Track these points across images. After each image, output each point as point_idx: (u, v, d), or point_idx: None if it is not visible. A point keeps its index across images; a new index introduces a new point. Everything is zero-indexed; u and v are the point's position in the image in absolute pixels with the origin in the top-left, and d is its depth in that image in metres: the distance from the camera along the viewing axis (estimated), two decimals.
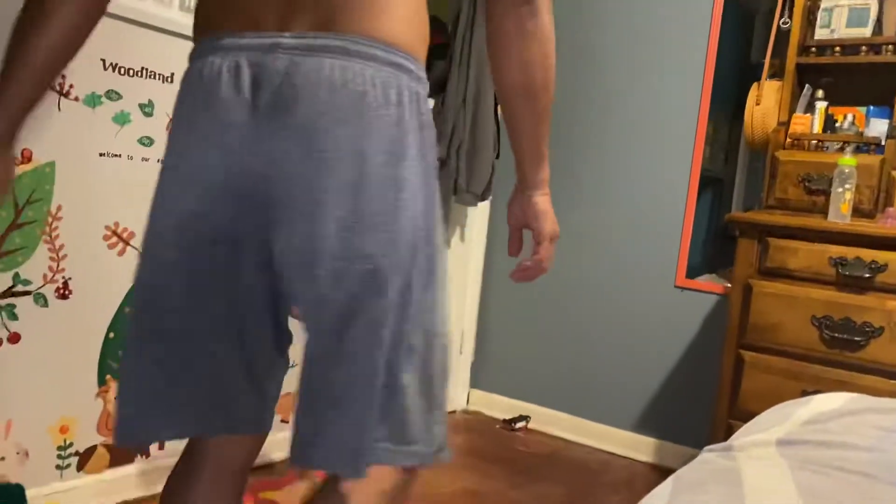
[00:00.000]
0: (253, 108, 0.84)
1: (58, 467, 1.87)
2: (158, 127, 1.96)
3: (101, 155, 1.87)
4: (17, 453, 1.78)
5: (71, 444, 1.90)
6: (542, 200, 1.11)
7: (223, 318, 0.91)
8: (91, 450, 1.94)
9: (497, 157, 3.03)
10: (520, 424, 3.11)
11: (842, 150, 2.35)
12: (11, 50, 0.90)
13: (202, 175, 0.87)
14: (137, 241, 1.95)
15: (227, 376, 0.94)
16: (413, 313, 0.88)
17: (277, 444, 1.60)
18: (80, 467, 1.92)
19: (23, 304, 1.76)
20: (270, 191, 0.85)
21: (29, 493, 1.70)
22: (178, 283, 0.90)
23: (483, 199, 3.06)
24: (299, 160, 0.83)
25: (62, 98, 1.77)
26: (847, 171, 2.21)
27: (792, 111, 2.47)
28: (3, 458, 1.75)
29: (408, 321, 0.88)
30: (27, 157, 1.73)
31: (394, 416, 0.88)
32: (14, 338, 1.75)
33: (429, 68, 2.75)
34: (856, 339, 2.09)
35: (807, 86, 2.49)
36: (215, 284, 0.90)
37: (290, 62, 0.83)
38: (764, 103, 2.48)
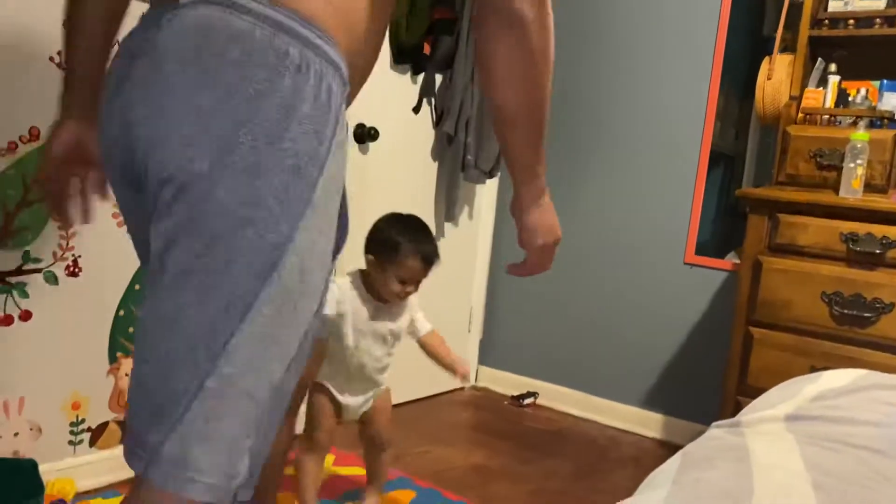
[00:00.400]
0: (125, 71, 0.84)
1: (70, 443, 1.90)
2: None
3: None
4: (31, 429, 1.80)
5: (83, 421, 1.92)
6: (531, 215, 1.09)
7: None
8: (103, 426, 1.96)
9: None
10: (528, 401, 3.13)
11: (854, 124, 2.32)
12: (66, 25, 1.03)
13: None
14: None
15: None
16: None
17: None
18: (92, 443, 1.94)
19: (33, 282, 1.77)
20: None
21: (42, 469, 1.72)
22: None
23: (491, 176, 3.05)
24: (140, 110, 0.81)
25: None
26: (859, 146, 2.18)
27: (804, 85, 2.44)
28: (16, 434, 1.77)
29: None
30: (35, 135, 1.73)
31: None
32: (25, 315, 1.77)
33: (436, 44, 2.73)
34: (865, 315, 2.08)
35: (819, 59, 2.46)
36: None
37: (170, 16, 0.80)
38: (775, 77, 2.45)
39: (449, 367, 1.90)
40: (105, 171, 0.95)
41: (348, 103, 0.89)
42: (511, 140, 1.01)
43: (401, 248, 1.72)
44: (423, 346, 1.91)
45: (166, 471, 0.77)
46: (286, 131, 0.77)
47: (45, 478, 1.71)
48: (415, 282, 1.76)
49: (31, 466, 1.42)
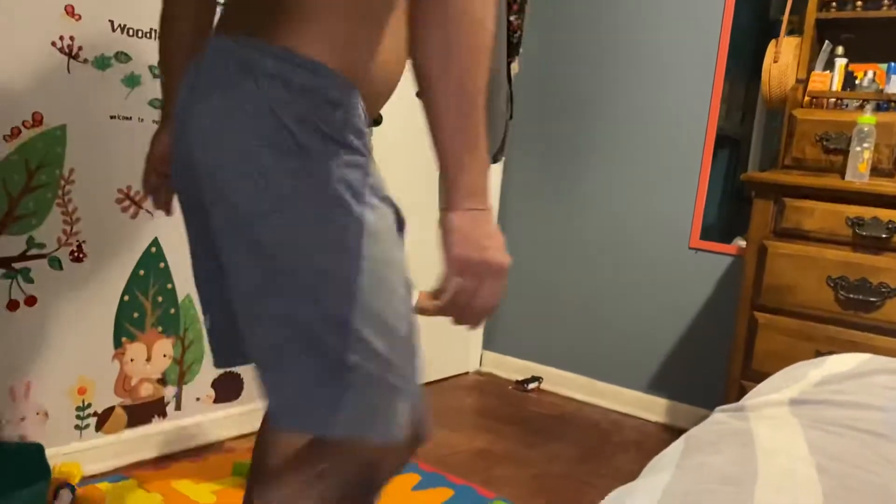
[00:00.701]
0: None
1: (77, 427, 1.91)
2: None
3: (111, 117, 1.87)
4: (37, 414, 1.81)
5: (89, 406, 1.93)
6: (457, 218, 0.89)
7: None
8: (109, 410, 1.97)
9: (510, 117, 3.00)
10: (532, 385, 3.13)
11: (861, 108, 2.30)
12: (161, 38, 1.19)
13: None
14: (150, 204, 1.95)
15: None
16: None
17: None
18: (98, 427, 1.95)
19: (38, 268, 1.77)
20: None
21: (49, 453, 1.73)
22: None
23: (495, 160, 3.03)
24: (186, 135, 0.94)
25: (71, 60, 1.76)
26: (866, 129, 2.17)
27: (811, 68, 2.42)
28: (23, 419, 1.78)
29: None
30: (38, 121, 1.72)
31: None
32: (30, 301, 1.77)
33: None
34: (871, 299, 2.08)
35: (826, 42, 2.44)
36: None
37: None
38: (782, 60, 2.43)
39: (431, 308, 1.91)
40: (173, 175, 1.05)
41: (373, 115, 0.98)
42: (427, 107, 0.89)
43: None
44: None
45: (341, 430, 0.89)
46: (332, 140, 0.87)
47: (51, 462, 1.73)
48: None
49: (37, 450, 1.43)
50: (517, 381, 3.18)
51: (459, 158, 0.88)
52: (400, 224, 0.96)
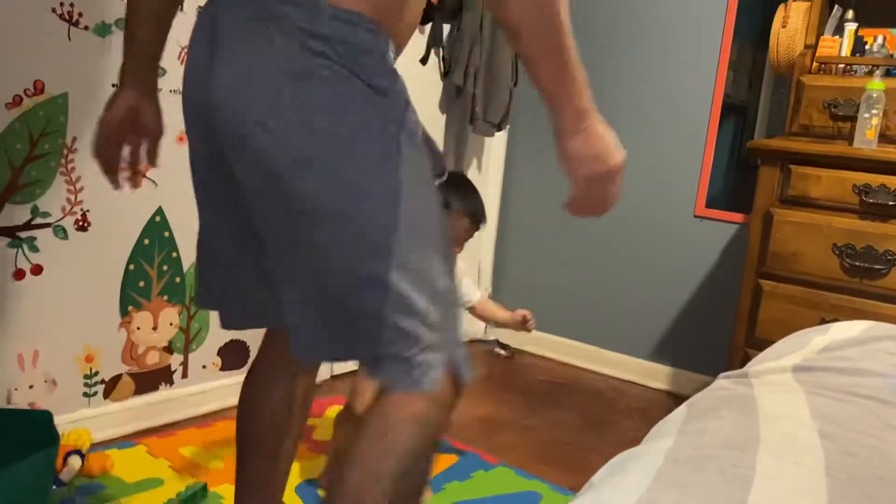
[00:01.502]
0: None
1: (85, 395, 1.93)
2: (170, 56, 1.93)
3: (113, 85, 1.85)
4: (45, 382, 1.83)
5: (97, 373, 1.94)
6: (571, 143, 0.97)
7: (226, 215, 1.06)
8: (116, 378, 1.99)
9: (515, 84, 2.98)
10: (501, 351, 3.15)
11: (870, 73, 2.27)
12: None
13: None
14: (154, 173, 1.95)
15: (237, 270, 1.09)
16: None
17: None
18: (106, 395, 1.97)
19: (43, 237, 1.78)
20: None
21: (58, 420, 1.74)
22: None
23: (500, 128, 3.01)
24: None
25: (72, 27, 1.75)
26: (875, 95, 2.14)
27: (820, 34, 2.38)
28: (31, 387, 1.80)
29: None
30: (39, 89, 1.71)
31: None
32: (36, 270, 1.78)
33: None
34: (876, 267, 2.07)
35: (836, 6, 2.40)
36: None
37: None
38: (790, 25, 2.40)
39: (513, 325, 1.89)
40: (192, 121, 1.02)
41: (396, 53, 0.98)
42: (526, 58, 0.94)
43: (449, 207, 1.65)
44: (480, 313, 1.88)
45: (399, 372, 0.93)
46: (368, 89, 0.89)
47: (60, 429, 1.74)
48: (461, 242, 1.71)
49: (46, 417, 1.44)
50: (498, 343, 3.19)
51: (564, 93, 0.94)
52: (440, 170, 1.00)
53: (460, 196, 1.71)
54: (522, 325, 1.94)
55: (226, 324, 1.15)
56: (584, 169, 0.98)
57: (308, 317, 0.95)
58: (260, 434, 1.27)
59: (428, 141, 1.00)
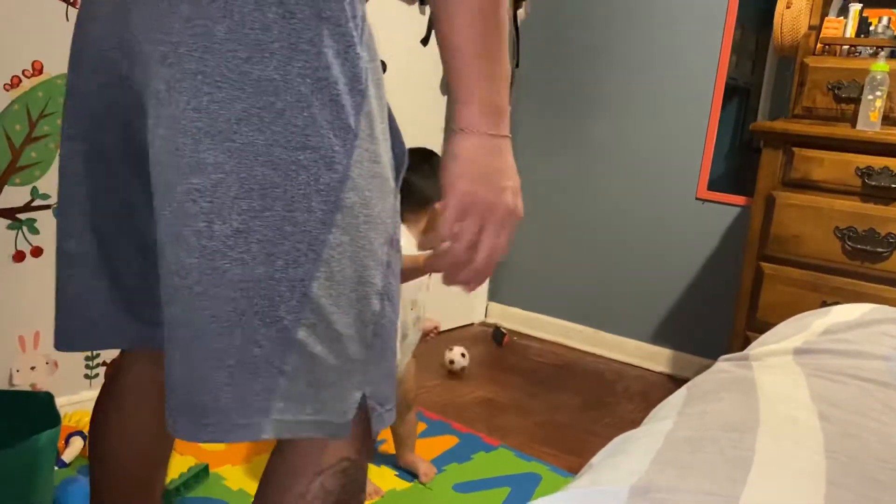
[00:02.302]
0: None
1: (86, 376, 1.93)
2: None
3: None
4: (47, 363, 1.84)
5: (98, 355, 1.95)
6: (471, 142, 0.75)
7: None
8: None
9: (517, 65, 2.96)
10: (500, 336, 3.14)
11: (875, 55, 2.26)
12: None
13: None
14: None
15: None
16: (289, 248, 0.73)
17: None
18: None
19: (43, 219, 1.77)
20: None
21: (59, 402, 1.75)
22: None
23: None
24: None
25: (69, 7, 1.73)
26: (879, 77, 2.13)
27: (824, 14, 2.36)
28: (33, 368, 1.81)
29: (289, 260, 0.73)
30: (38, 69, 1.70)
31: (283, 381, 0.75)
32: (36, 252, 1.77)
33: None
34: (878, 250, 2.07)
35: None
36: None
37: None
38: (795, 6, 2.37)
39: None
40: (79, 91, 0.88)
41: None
42: (448, 17, 0.73)
43: (426, 195, 1.49)
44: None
45: (281, 427, 0.76)
46: (318, 61, 0.71)
47: (62, 411, 1.75)
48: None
49: (47, 399, 1.45)
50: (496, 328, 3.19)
51: (482, 68, 0.73)
52: (400, 162, 0.83)
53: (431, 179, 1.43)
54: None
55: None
56: (468, 183, 0.74)
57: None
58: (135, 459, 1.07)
59: None
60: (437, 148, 3.10)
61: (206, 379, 0.73)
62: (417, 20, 2.70)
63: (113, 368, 1.07)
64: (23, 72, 1.68)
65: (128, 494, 1.06)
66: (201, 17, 0.70)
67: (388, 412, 0.84)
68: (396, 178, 0.83)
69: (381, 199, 0.78)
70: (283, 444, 0.84)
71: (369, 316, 0.79)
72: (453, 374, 2.62)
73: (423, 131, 2.84)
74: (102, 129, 0.86)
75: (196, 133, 0.70)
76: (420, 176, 1.47)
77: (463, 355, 2.61)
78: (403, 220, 1.33)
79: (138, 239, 0.90)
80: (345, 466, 0.83)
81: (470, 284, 0.79)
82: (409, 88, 2.72)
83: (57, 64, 1.73)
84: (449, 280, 0.79)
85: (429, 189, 1.50)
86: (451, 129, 0.75)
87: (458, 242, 0.76)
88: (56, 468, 1.64)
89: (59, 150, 0.94)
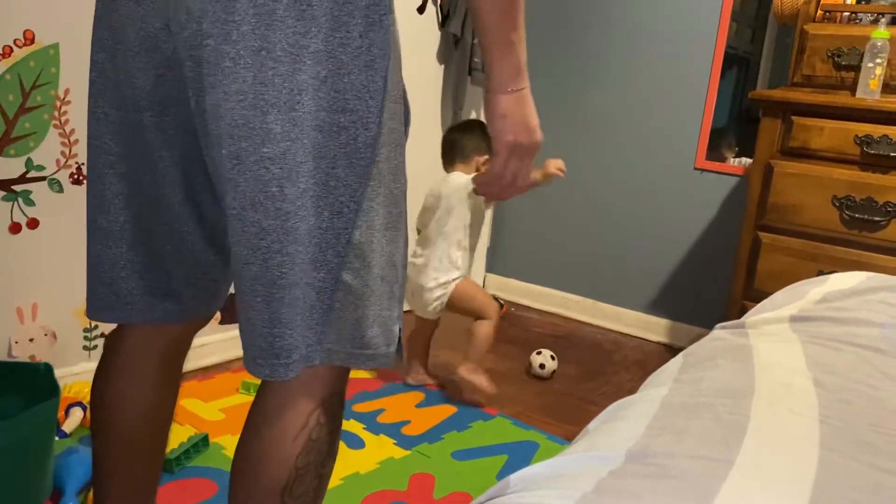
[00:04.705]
0: None
1: (85, 348, 1.94)
2: None
3: None
4: (45, 335, 1.84)
5: (96, 327, 1.95)
6: (505, 101, 0.91)
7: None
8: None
9: None
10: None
11: (875, 21, 2.23)
12: None
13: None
14: None
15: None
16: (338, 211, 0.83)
17: None
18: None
19: (38, 190, 1.77)
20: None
21: (58, 373, 1.75)
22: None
23: None
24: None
25: None
26: (879, 44, 2.11)
27: None
28: (31, 340, 1.81)
29: (335, 216, 0.83)
30: (29, 39, 1.68)
31: (333, 315, 0.87)
32: (32, 223, 1.77)
33: None
34: (876, 219, 2.07)
35: None
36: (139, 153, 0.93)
37: None
38: None
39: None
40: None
41: None
42: (473, 6, 0.87)
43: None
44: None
45: (331, 355, 0.88)
46: (356, 30, 0.80)
47: (62, 382, 1.76)
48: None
49: (46, 370, 1.45)
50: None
51: (506, 37, 0.88)
52: (408, 115, 0.94)
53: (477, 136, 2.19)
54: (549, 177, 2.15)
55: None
56: (511, 135, 0.93)
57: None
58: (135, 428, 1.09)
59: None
60: (433, 112, 3.07)
61: (286, 323, 0.84)
62: None
63: (113, 337, 1.09)
64: (14, 41, 1.66)
65: (130, 462, 1.09)
66: None
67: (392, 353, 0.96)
68: (405, 132, 0.93)
69: (401, 151, 0.90)
70: (273, 385, 0.91)
71: (398, 258, 0.92)
72: (540, 378, 2.47)
73: (419, 96, 2.82)
74: (139, 108, 0.89)
75: (264, 105, 0.78)
76: (469, 137, 2.22)
77: (553, 357, 2.47)
78: (459, 167, 2.22)
79: (172, 215, 0.94)
80: (335, 400, 0.93)
81: (508, 199, 1.01)
82: (405, 56, 2.69)
83: (49, 33, 1.71)
84: (495, 198, 1.00)
85: (476, 145, 2.20)
86: (488, 90, 0.92)
87: (506, 174, 0.95)
88: (56, 439, 1.66)
89: (87, 129, 0.94)
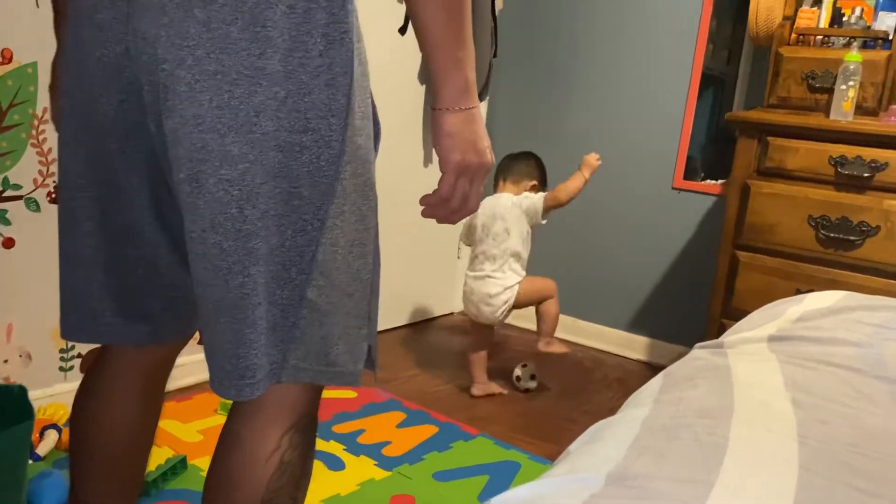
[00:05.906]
0: None
1: (61, 369, 1.91)
2: None
3: None
4: (20, 356, 1.81)
5: (73, 347, 1.92)
6: (452, 119, 0.88)
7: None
8: (93, 352, 1.97)
9: (494, 55, 2.95)
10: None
11: (848, 45, 2.28)
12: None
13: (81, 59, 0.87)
14: None
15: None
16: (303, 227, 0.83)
17: None
18: (82, 369, 1.95)
19: (15, 209, 1.75)
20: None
21: (33, 395, 1.73)
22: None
23: (481, 98, 2.99)
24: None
25: None
26: (852, 67, 2.15)
27: (798, 5, 2.38)
28: (6, 361, 1.78)
29: (300, 232, 0.83)
30: (7, 58, 1.67)
31: (297, 332, 0.86)
32: (8, 243, 1.75)
33: None
34: (851, 238, 2.10)
35: None
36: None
37: None
38: None
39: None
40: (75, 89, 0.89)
41: None
42: (421, 10, 0.84)
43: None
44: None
45: (297, 372, 0.87)
46: (315, 49, 0.80)
47: (36, 404, 1.73)
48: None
49: (20, 392, 1.43)
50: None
51: (453, 54, 0.86)
52: (378, 131, 0.93)
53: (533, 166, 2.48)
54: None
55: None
56: (458, 154, 0.89)
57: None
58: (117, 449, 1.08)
59: None
60: (414, 132, 3.09)
61: (249, 343, 0.83)
62: (396, 8, 2.69)
63: (94, 359, 1.08)
64: None
65: (109, 486, 1.08)
66: (216, 20, 0.76)
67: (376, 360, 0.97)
68: (375, 148, 0.93)
69: (368, 168, 0.89)
70: (243, 406, 0.90)
71: (365, 274, 0.91)
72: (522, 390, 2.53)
73: (400, 117, 2.83)
74: (105, 133, 0.88)
75: (221, 128, 0.78)
76: (526, 162, 2.51)
77: (532, 377, 2.54)
78: (509, 187, 2.48)
79: (143, 239, 0.93)
80: (307, 422, 0.93)
81: (453, 222, 0.97)
82: (387, 77, 2.70)
83: (27, 52, 1.70)
84: (442, 221, 0.96)
85: (529, 170, 2.50)
86: (434, 107, 0.89)
87: (455, 196, 0.91)
88: (30, 462, 1.63)
89: (58, 154, 0.95)
